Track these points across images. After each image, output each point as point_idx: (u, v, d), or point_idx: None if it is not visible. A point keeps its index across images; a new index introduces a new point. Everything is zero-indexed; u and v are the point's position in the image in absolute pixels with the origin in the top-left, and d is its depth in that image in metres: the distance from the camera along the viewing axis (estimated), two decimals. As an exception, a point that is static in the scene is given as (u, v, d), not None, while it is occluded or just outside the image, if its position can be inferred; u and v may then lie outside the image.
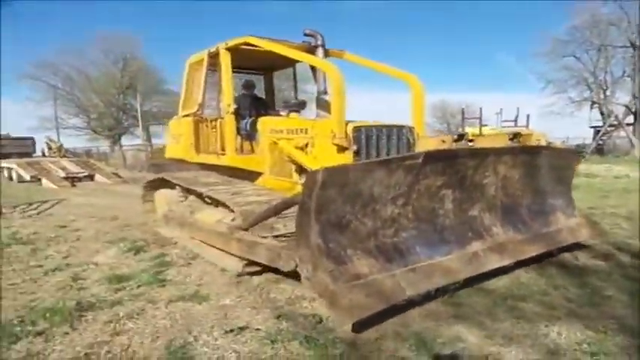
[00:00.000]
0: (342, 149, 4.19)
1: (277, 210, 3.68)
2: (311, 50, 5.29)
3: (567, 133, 35.89)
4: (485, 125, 19.90)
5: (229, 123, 5.33)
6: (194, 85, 5.99)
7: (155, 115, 43.55)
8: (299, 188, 4.27)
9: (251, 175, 5.31)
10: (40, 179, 15.90)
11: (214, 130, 5.67)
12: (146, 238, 5.89)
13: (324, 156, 4.32)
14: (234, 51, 5.38)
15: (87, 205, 9.98)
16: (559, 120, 37.84)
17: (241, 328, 3.07)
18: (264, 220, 3.85)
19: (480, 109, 19.67)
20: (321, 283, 2.89)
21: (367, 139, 4.34)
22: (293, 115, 5.38)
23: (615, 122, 29.96)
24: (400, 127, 4.62)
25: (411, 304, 3.32)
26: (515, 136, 15.95)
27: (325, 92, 5.26)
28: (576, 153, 6.05)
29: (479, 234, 3.93)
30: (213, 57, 5.57)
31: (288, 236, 3.78)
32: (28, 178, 16.15)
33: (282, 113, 5.92)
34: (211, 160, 5.69)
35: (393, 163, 3.20)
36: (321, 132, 4.44)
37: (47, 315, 3.33)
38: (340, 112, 4.16)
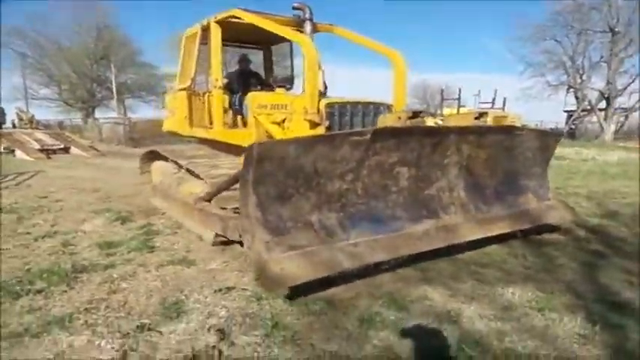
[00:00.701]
0: (314, 125, 4.29)
1: (230, 183, 3.81)
2: (299, 24, 5.29)
3: (543, 117, 36.81)
4: (463, 106, 20.35)
5: (217, 97, 5.43)
6: (189, 58, 6.02)
7: (130, 87, 42.65)
8: None
9: (236, 150, 5.39)
10: (13, 151, 15.62)
11: (204, 104, 5.79)
12: (131, 209, 6.06)
13: (298, 132, 4.42)
14: (225, 24, 5.36)
15: (65, 178, 9.97)
16: (536, 103, 38.66)
17: (229, 288, 3.34)
18: (220, 192, 4.02)
19: (459, 89, 20.10)
20: (256, 252, 2.99)
21: (340, 115, 4.45)
22: (280, 90, 5.53)
23: (588, 107, 30.91)
24: (377, 105, 4.74)
25: (382, 269, 3.66)
26: (481, 115, 16.37)
27: None
28: (556, 135, 5.82)
29: (433, 213, 3.92)
30: (206, 30, 5.58)
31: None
32: (1, 149, 15.83)
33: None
34: (201, 133, 5.84)
35: (337, 139, 3.21)
36: (298, 108, 4.58)
37: (44, 276, 3.54)
38: (313, 88, 4.23)
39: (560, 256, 4.17)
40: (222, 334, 2.66)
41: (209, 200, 4.17)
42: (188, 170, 5.33)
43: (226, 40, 5.63)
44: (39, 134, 18.06)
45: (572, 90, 33.48)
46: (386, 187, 3.63)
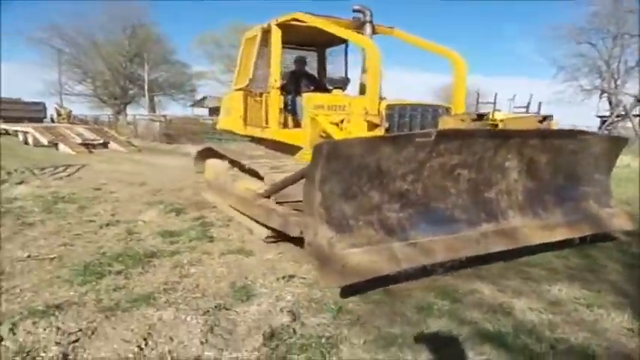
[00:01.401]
0: (374, 126, 4.39)
1: (294, 179, 3.91)
2: (360, 27, 5.34)
3: (575, 122, 35.98)
4: (499, 110, 20.23)
5: (274, 97, 5.55)
6: (247, 60, 6.18)
7: (161, 85, 43.73)
8: None
9: (292, 149, 5.56)
10: (56, 144, 16.33)
11: (261, 104, 5.92)
12: (181, 202, 6.41)
13: (356, 132, 4.53)
14: (285, 27, 5.48)
15: (111, 171, 10.45)
16: (568, 108, 37.84)
17: (290, 276, 3.61)
18: (282, 189, 4.14)
19: (495, 94, 20.01)
20: (320, 248, 3.06)
21: (400, 117, 4.54)
22: (336, 91, 5.58)
23: (623, 112, 30.18)
24: (436, 107, 4.78)
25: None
26: (545, 118, 16.12)
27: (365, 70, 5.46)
28: (623, 140, 5.41)
29: (492, 216, 3.92)
30: (266, 33, 5.71)
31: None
32: (45, 142, 16.57)
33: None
34: (257, 132, 6.02)
35: (402, 140, 3.28)
36: (356, 109, 4.65)
37: (120, 259, 3.88)
38: (374, 89, 4.34)
39: (603, 258, 4.29)
40: (294, 315, 2.92)
41: (268, 197, 4.36)
42: (243, 169, 5.59)
43: (284, 43, 5.75)
44: (79, 129, 18.82)
45: (605, 95, 32.77)
46: (446, 189, 3.68)
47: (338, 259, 3.06)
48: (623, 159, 16.96)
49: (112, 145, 17.57)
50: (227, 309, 3.00)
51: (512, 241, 3.91)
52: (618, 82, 31.62)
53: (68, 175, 9.36)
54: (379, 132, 4.37)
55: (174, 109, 46.22)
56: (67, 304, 3.01)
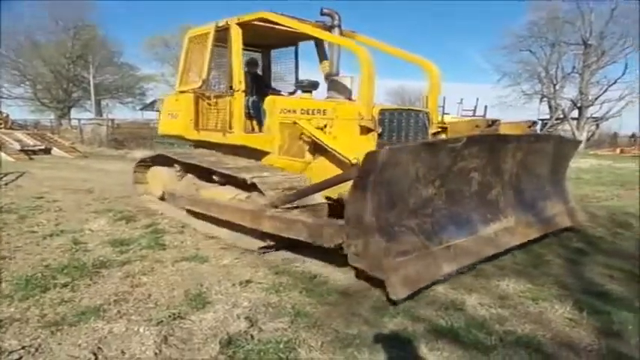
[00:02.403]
0: (366, 131, 4.26)
1: (322, 187, 3.92)
2: (327, 30, 5.31)
3: (516, 125, 37.82)
4: (447, 114, 20.92)
5: (239, 101, 5.27)
6: (194, 60, 5.97)
7: (107, 88, 42.08)
8: (314, 168, 4.62)
9: (252, 154, 5.32)
10: (-7, 151, 15.33)
11: (217, 107, 5.69)
12: (131, 209, 6.19)
13: (346, 137, 4.38)
14: (244, 27, 5.31)
15: (54, 179, 9.92)
16: (511, 111, 39.77)
17: (247, 281, 3.57)
18: (303, 197, 4.07)
19: (444, 97, 20.63)
20: (374, 258, 3.05)
21: (390, 122, 4.49)
22: (306, 95, 5.39)
23: (561, 116, 32.07)
24: (418, 112, 4.85)
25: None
26: (494, 122, 16.73)
27: (337, 74, 5.45)
28: (577, 142, 6.38)
29: (496, 216, 4.20)
30: (221, 31, 5.48)
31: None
32: (-20, 149, 15.52)
33: (283, 92, 6.19)
34: (215, 138, 5.62)
35: (438, 146, 3.41)
36: (343, 114, 4.50)
37: (65, 271, 3.69)
38: (369, 95, 4.22)
39: (546, 254, 4.52)
40: (250, 321, 2.89)
41: (277, 207, 4.07)
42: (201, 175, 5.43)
43: (225, 43, 5.54)
44: (19, 134, 17.78)
45: (545, 99, 34.70)
46: (462, 192, 3.84)
47: (395, 269, 3.09)
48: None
49: (55, 150, 16.73)
50: (182, 318, 2.93)
51: (514, 238, 4.21)
52: (557, 87, 33.56)
53: (6, 184, 8.80)
54: (372, 136, 4.29)
55: (123, 113, 44.71)
56: (8, 320, 2.83)
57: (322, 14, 5.36)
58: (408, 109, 4.83)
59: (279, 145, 5.11)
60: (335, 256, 4.22)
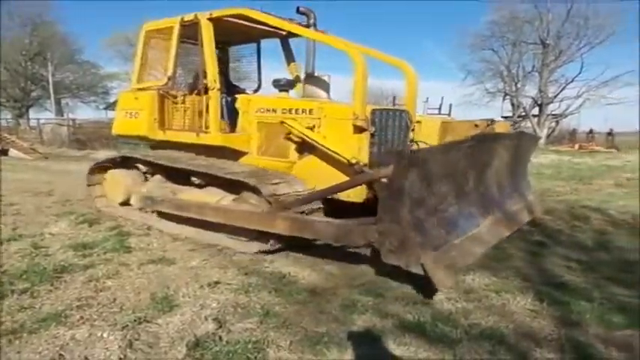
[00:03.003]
0: (359, 130, 4.25)
1: (341, 188, 3.97)
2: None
3: (481, 122, 38.79)
4: (412, 112, 21.20)
5: (215, 99, 5.05)
6: (154, 55, 5.75)
7: (68, 86, 40.71)
8: (301, 167, 4.59)
9: (228, 154, 5.15)
10: (-55, 152, 14.62)
11: (185, 106, 5.47)
12: (93, 212, 6.01)
13: (336, 136, 4.36)
14: (215, 22, 5.13)
15: (12, 181, 9.51)
16: (475, 109, 40.72)
17: (215, 283, 3.52)
18: (318, 199, 4.10)
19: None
20: (412, 254, 3.10)
21: (379, 121, 4.51)
22: (283, 94, 5.29)
23: (523, 113, 33.13)
24: (401, 112, 4.95)
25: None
26: (492, 122, 17.04)
27: (313, 73, 5.46)
28: (537, 138, 6.88)
29: (489, 209, 4.38)
30: (188, 26, 5.27)
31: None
32: None
33: (248, 91, 6.07)
34: (186, 138, 5.38)
35: (459, 145, 3.64)
36: (332, 113, 4.48)
37: (24, 277, 3.55)
38: (362, 95, 4.23)
39: (509, 247, 4.66)
40: (219, 322, 2.86)
41: (289, 208, 4.01)
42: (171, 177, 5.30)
43: (187, 38, 5.48)
44: (-27, 135, 16.98)
45: (508, 97, 35.74)
46: (463, 187, 3.99)
47: (436, 262, 3.15)
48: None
49: (13, 151, 16.09)
50: (148, 321, 2.87)
51: (505, 229, 4.39)
52: (518, 86, 34.59)
53: (-40, 187, 8.39)
54: (365, 135, 4.31)
55: (86, 112, 43.31)
56: (-38, 330, 2.70)
57: (298, 12, 5.27)
58: (392, 109, 4.91)
59: (257, 146, 5.03)
60: (305, 255, 4.29)
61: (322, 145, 4.36)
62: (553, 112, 33.81)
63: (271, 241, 4.19)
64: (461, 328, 2.84)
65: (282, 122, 4.69)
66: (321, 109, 4.55)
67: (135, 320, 2.86)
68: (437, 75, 74.79)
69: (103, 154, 15.72)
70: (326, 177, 4.32)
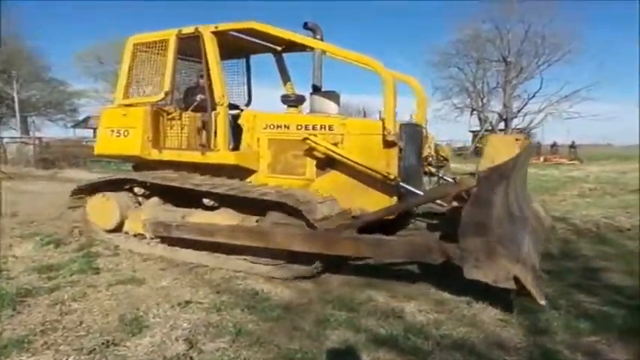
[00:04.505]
0: (390, 145, 4.25)
1: (429, 199, 4.06)
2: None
3: (452, 137, 39.86)
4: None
5: (223, 116, 4.82)
6: (143, 69, 5.41)
7: (35, 104, 39.60)
8: (323, 184, 4.49)
9: (234, 173, 4.90)
10: None
11: (184, 123, 5.23)
12: (61, 233, 5.83)
13: (364, 152, 4.31)
14: (220, 36, 4.93)
15: (-27, 202, 9.17)
16: (444, 124, 41.71)
17: (186, 302, 3.47)
18: (372, 219, 3.94)
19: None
20: (501, 269, 3.08)
21: (404, 134, 4.48)
22: (292, 110, 5.18)
23: (490, 127, 34.15)
24: (420, 126, 5.11)
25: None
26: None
27: (321, 87, 5.39)
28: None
29: (526, 221, 4.33)
30: (186, 40, 5.04)
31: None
32: None
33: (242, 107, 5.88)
34: (189, 157, 5.05)
35: (523, 159, 3.81)
36: (356, 129, 4.47)
37: (-16, 302, 3.40)
38: (392, 110, 4.21)
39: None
40: (190, 343, 2.80)
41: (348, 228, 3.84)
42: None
43: (179, 53, 5.18)
44: None
45: (475, 112, 36.82)
46: (515, 200, 3.99)
47: (527, 276, 3.11)
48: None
49: (-26, 172, 15.44)
50: (116, 345, 2.79)
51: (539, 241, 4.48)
52: (484, 101, 35.78)
53: None
54: (394, 150, 4.29)
55: (54, 130, 42.02)
56: None
57: (305, 28, 5.11)
58: (415, 124, 5.01)
59: (267, 163, 4.83)
60: (278, 271, 4.25)
61: (354, 162, 4.27)
62: (518, 127, 35.02)
63: (316, 263, 4.01)
64: (432, 339, 2.87)
65: (305, 139, 4.48)
66: (343, 125, 4.49)
67: (102, 344, 2.78)
68: (407, 90, 76.34)
69: (71, 174, 15.36)
70: (352, 193, 4.32)
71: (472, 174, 5.40)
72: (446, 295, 3.70)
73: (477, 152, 31.50)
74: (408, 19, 78.57)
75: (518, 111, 35.03)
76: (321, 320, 3.15)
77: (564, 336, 2.97)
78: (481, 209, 3.11)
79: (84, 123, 42.91)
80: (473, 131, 37.21)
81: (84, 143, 24.66)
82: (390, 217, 4.18)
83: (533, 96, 34.42)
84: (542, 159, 25.62)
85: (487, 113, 35.23)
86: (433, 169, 5.52)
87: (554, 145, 32.80)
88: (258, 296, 3.64)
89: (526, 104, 34.83)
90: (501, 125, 35.02)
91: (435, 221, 5.23)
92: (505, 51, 33.85)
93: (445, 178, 5.51)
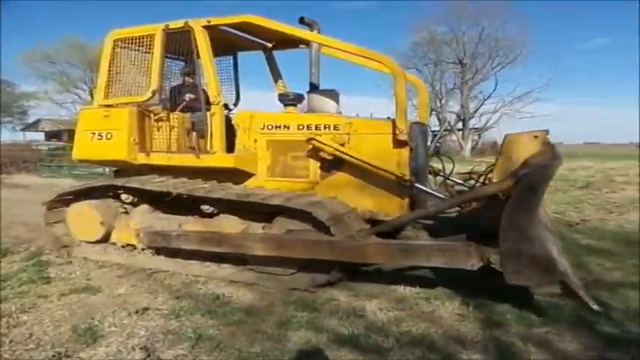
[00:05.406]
0: (401, 144, 4.15)
1: (462, 201, 3.81)
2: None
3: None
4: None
5: (219, 116, 4.57)
6: (125, 66, 5.07)
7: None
8: (325, 186, 4.36)
9: (229, 177, 4.64)
10: None
11: (172, 124, 4.96)
12: (8, 241, 5.55)
13: (373, 152, 4.18)
14: (211, 31, 4.65)
15: None
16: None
17: (144, 309, 3.37)
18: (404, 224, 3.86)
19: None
20: (544, 272, 3.01)
21: (413, 133, 4.40)
22: (291, 109, 4.88)
23: (448, 127, 35.08)
24: (425, 125, 5.08)
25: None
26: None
27: (318, 85, 5.20)
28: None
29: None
30: (174, 34, 4.74)
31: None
32: None
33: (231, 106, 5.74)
34: (181, 160, 4.78)
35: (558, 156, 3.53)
36: (365, 128, 4.34)
37: None
38: (403, 109, 4.14)
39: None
40: (147, 351, 2.73)
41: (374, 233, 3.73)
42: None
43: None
44: None
45: (434, 112, 37.73)
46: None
47: (570, 278, 3.05)
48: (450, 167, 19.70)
49: None
50: (68, 356, 2.69)
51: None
52: (442, 102, 36.68)
53: None
54: (406, 150, 4.18)
55: (2, 134, 39.89)
56: None
57: (302, 23, 4.89)
58: (422, 124, 4.96)
59: (267, 166, 4.63)
60: (241, 273, 4.20)
61: (365, 162, 4.12)
62: (475, 126, 36.19)
63: (333, 271, 3.84)
64: (393, 336, 2.92)
65: (310, 139, 4.31)
66: (349, 125, 4.35)
67: (54, 356, 2.68)
68: (368, 91, 77.54)
69: (19, 179, 14.64)
70: (360, 195, 4.22)
71: (469, 174, 5.40)
72: (407, 292, 3.77)
73: (437, 151, 32.41)
74: (368, 21, 79.46)
75: (475, 111, 36.18)
76: (283, 322, 3.14)
77: (518, 328, 3.08)
78: (524, 211, 3.00)
79: (34, 126, 41.07)
80: (432, 131, 37.99)
81: (34, 147, 23.61)
82: None
83: (489, 97, 35.66)
84: (498, 157, 26.51)
85: (445, 114, 36.15)
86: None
87: (509, 143, 34.04)
88: (219, 300, 3.59)
89: (482, 105, 36.06)
90: (459, 125, 36.05)
91: (431, 222, 4.78)
92: (461, 53, 34.90)
93: (451, 178, 5.36)
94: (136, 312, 3.31)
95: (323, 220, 3.63)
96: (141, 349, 2.75)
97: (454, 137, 34.69)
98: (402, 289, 3.82)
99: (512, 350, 2.79)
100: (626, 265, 4.54)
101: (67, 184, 10.72)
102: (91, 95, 35.73)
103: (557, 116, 64.50)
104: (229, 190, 4.25)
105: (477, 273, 4.19)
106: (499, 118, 36.03)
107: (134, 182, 4.53)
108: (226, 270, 4.20)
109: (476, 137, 36.55)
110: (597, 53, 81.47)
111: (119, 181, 4.72)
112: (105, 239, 4.85)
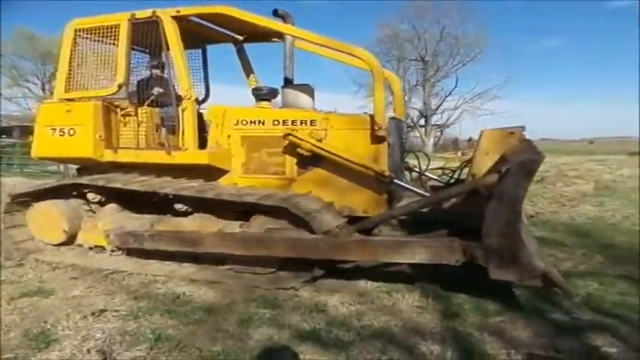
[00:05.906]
0: (379, 140, 4.11)
1: (432, 202, 3.78)
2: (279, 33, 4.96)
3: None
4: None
5: (191, 111, 4.44)
6: (87, 58, 4.83)
7: None
8: (302, 183, 4.30)
9: (200, 174, 4.54)
10: None
11: (137, 119, 4.78)
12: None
13: (350, 147, 4.15)
14: (180, 22, 4.50)
15: None
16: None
17: (101, 311, 3.27)
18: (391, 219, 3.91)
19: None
20: (526, 267, 3.04)
21: (392, 129, 4.41)
22: (264, 104, 4.75)
23: (411, 124, 35.73)
24: (401, 121, 5.04)
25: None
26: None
27: (292, 80, 5.09)
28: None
29: None
30: (140, 25, 4.54)
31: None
32: None
33: None
34: (151, 157, 4.60)
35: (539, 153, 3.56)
36: (342, 124, 4.28)
37: None
38: (381, 104, 4.10)
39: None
40: (104, 353, 2.65)
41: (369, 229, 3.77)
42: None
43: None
44: None
45: (398, 108, 38.35)
46: None
47: (549, 273, 3.07)
48: (414, 163, 20.05)
49: None
50: (19, 363, 2.57)
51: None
52: (406, 98, 37.28)
53: None
54: (384, 145, 4.13)
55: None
56: None
57: (275, 15, 4.75)
58: (398, 119, 4.96)
59: (242, 163, 4.52)
60: (202, 272, 4.14)
61: (343, 158, 4.09)
62: (437, 123, 37.07)
63: (316, 268, 3.80)
64: (354, 330, 2.95)
65: (287, 135, 4.23)
66: (326, 120, 4.29)
67: (3, 363, 2.55)
68: (332, 87, 77.66)
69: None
70: (338, 191, 4.19)
71: (442, 169, 5.49)
72: (368, 286, 3.83)
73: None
74: (332, 19, 79.62)
75: (437, 108, 37.08)
76: (245, 320, 3.12)
77: (474, 318, 3.18)
78: (508, 207, 3.03)
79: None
80: (409, 127, 38.71)
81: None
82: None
83: (450, 94, 36.69)
84: (460, 153, 27.25)
85: (408, 110, 36.81)
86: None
87: (470, 139, 35.02)
88: (179, 299, 3.53)
89: (443, 101, 37.00)
90: (422, 122, 36.83)
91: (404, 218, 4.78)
92: (423, 51, 35.62)
93: (426, 174, 5.37)
94: (92, 314, 3.21)
95: (301, 215, 3.61)
96: (97, 351, 2.67)
97: (417, 133, 35.38)
98: (364, 284, 3.87)
99: (469, 340, 2.88)
100: (577, 256, 4.77)
101: (19, 182, 10.29)
102: (43, 89, 34.37)
103: (513, 113, 66.84)
104: (220, 190, 4.16)
105: (438, 265, 4.34)
106: (460, 115, 37.10)
107: (116, 182, 4.32)
108: (187, 269, 4.15)
109: (438, 133, 37.44)
110: (549, 54, 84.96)
111: (99, 180, 4.43)
112: (70, 241, 4.69)
